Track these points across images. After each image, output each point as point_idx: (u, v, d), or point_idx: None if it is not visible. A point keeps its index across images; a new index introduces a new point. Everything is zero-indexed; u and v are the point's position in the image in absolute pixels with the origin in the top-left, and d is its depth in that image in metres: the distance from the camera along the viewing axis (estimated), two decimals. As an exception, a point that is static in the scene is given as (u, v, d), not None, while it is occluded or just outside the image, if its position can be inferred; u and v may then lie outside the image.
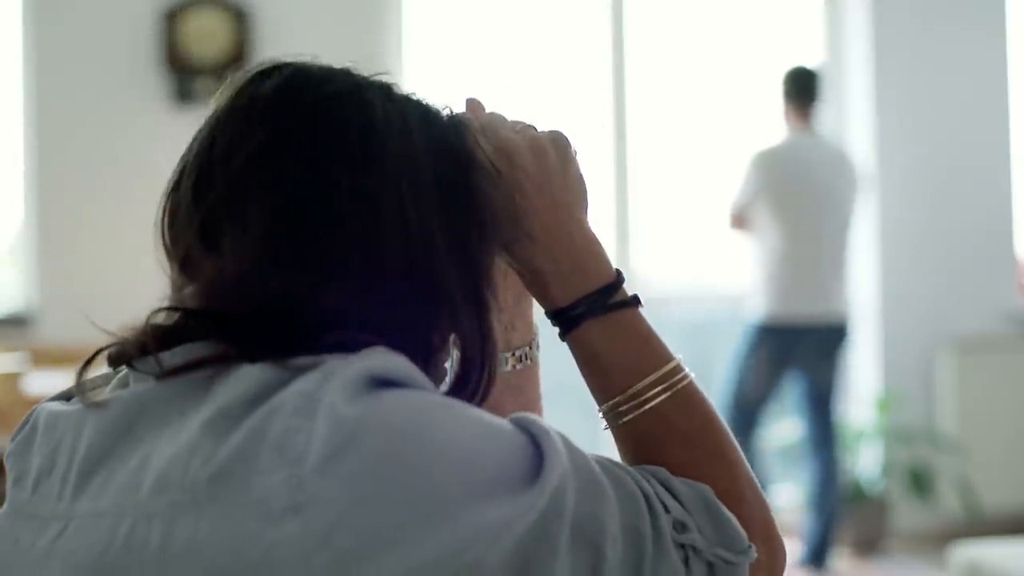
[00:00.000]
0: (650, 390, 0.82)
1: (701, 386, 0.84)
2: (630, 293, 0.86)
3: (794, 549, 4.18)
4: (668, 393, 0.82)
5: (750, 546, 0.77)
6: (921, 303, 4.74)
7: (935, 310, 4.74)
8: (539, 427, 0.71)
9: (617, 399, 0.83)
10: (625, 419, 0.83)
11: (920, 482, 4.47)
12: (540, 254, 0.84)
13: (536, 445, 0.70)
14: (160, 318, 0.75)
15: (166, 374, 0.72)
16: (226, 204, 0.75)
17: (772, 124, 4.26)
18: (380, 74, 0.81)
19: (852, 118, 4.81)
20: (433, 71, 4.62)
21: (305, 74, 0.79)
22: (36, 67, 4.13)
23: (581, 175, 0.89)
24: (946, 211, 4.78)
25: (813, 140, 4.16)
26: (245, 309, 0.73)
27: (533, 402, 0.93)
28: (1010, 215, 4.89)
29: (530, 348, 0.93)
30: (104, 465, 0.72)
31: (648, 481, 0.76)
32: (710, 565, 0.75)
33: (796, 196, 4.09)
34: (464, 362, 0.78)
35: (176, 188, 0.79)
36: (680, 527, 0.75)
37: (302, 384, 0.67)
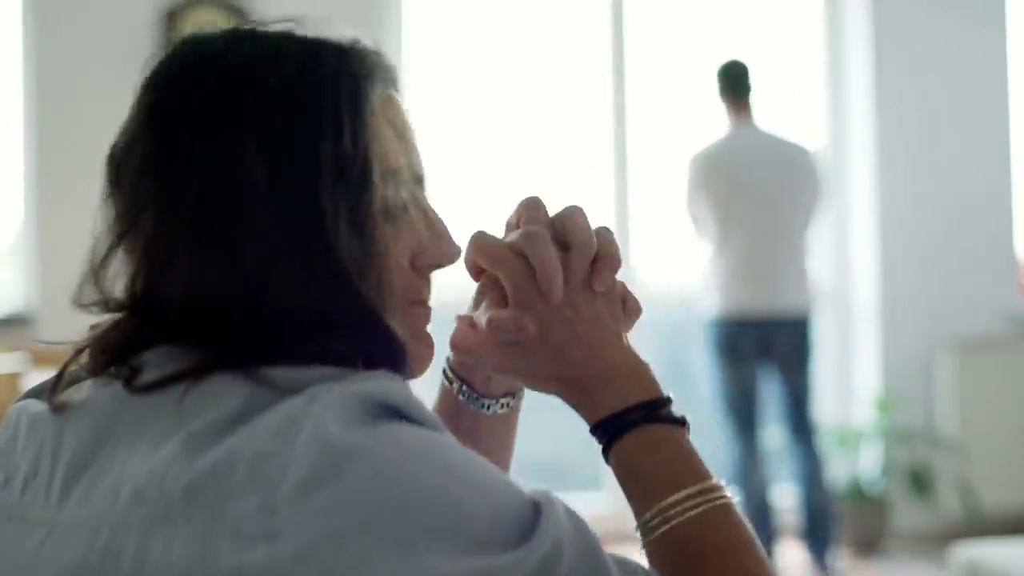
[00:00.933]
0: (687, 502, 0.79)
1: (741, 512, 0.82)
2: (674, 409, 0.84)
3: (794, 551, 4.18)
4: (703, 507, 0.79)
5: None
6: (921, 303, 4.73)
7: (935, 310, 4.74)
8: (545, 496, 0.69)
9: (655, 509, 0.80)
10: (659, 532, 0.80)
11: (920, 482, 4.47)
12: (594, 362, 0.83)
13: (535, 509, 0.68)
14: (115, 326, 0.76)
15: (140, 389, 0.72)
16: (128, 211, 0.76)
17: (770, 122, 4.26)
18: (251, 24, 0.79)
19: (852, 118, 4.81)
20: (433, 71, 4.62)
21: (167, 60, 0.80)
22: (36, 67, 4.13)
23: (618, 299, 0.86)
24: (946, 211, 4.78)
25: (751, 135, 4.09)
26: (199, 314, 0.73)
27: (505, 450, 0.93)
28: (1010, 215, 4.89)
29: (515, 397, 0.93)
30: (87, 472, 0.72)
31: None
32: None
33: (729, 193, 4.04)
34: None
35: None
36: None
37: (287, 406, 0.66)
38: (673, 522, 0.79)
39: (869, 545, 4.45)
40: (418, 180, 0.82)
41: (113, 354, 0.75)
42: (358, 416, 0.65)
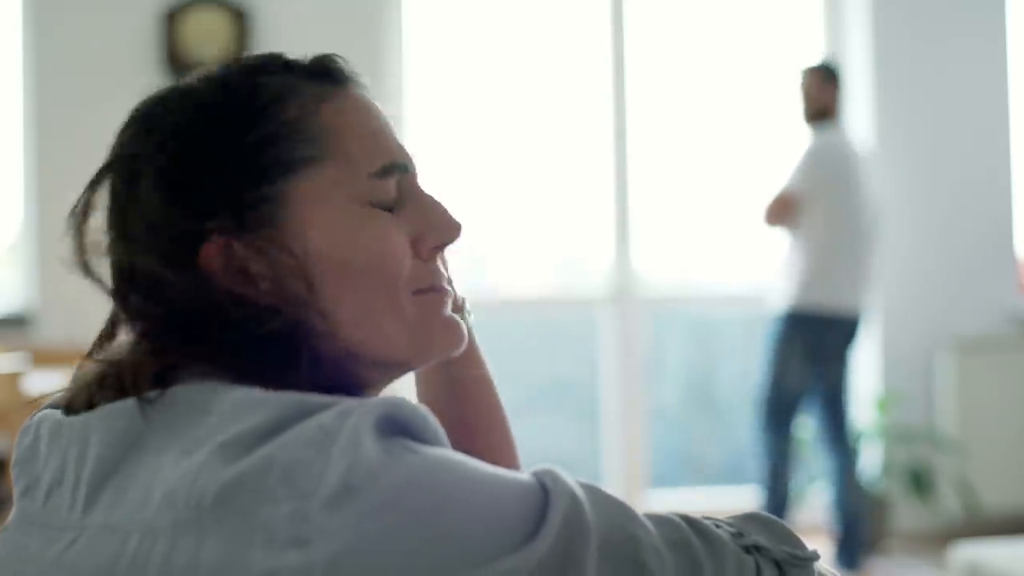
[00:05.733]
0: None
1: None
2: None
3: (824, 548, 4.18)
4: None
5: (815, 551, 0.78)
6: (921, 303, 4.73)
7: (935, 310, 4.74)
8: (550, 472, 0.71)
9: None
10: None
11: (920, 482, 4.47)
12: None
13: (544, 489, 0.69)
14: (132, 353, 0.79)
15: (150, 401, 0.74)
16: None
17: (770, 123, 4.26)
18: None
19: (852, 117, 4.81)
20: (433, 71, 4.62)
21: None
22: (36, 67, 4.13)
23: None
24: (946, 211, 4.78)
25: (845, 136, 4.19)
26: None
27: (490, 410, 1.02)
28: (1010, 215, 4.88)
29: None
30: (114, 478, 0.72)
31: (680, 515, 0.76)
32: (778, 564, 0.75)
33: (846, 190, 4.09)
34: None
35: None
36: (738, 535, 0.75)
37: (320, 419, 0.68)
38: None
39: (869, 545, 4.45)
40: (402, 169, 0.84)
41: (135, 383, 0.76)
42: (386, 432, 0.67)
